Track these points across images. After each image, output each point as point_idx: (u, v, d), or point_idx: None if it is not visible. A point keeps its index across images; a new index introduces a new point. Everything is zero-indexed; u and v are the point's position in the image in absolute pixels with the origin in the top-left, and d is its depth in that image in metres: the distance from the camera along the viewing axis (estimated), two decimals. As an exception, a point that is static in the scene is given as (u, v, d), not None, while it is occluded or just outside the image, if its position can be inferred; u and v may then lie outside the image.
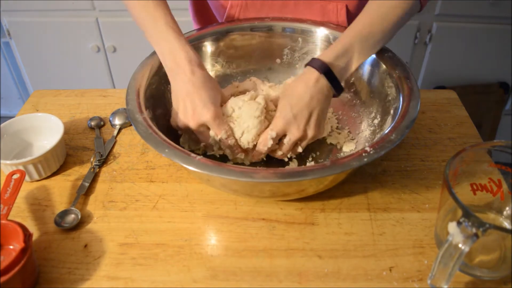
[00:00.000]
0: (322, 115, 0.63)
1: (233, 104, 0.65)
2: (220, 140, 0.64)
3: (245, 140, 0.64)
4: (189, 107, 0.62)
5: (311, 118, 0.62)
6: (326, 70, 0.62)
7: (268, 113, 0.67)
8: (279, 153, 0.66)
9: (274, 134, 0.63)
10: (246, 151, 0.66)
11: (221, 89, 0.67)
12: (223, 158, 0.68)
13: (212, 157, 0.68)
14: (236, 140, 0.64)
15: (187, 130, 0.65)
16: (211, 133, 0.64)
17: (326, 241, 0.58)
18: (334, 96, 0.65)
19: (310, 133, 0.63)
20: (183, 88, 0.63)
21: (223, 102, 0.66)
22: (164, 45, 0.66)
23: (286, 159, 0.67)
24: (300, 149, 0.65)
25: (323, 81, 0.62)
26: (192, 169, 0.53)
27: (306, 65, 0.64)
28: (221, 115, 0.64)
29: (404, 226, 0.60)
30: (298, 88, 0.63)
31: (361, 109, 0.73)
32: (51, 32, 1.62)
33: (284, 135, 0.64)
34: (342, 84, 0.64)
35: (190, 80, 0.62)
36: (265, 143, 0.64)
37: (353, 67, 0.66)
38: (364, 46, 0.65)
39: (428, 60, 1.61)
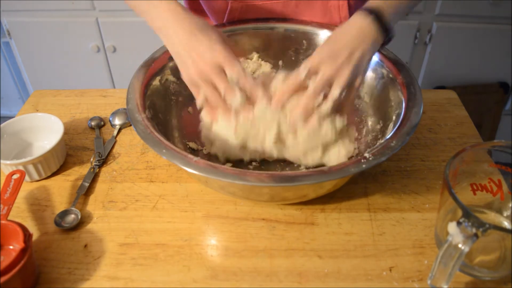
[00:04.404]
0: (364, 57, 0.57)
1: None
2: (237, 78, 0.58)
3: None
4: (195, 54, 0.57)
5: (350, 57, 0.56)
6: (376, 12, 0.58)
7: None
8: (306, 93, 0.57)
9: (306, 68, 0.57)
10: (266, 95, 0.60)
11: (217, 29, 0.61)
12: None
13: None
14: (252, 80, 0.59)
15: (204, 79, 0.59)
16: (227, 72, 0.58)
17: (326, 241, 0.58)
18: (384, 43, 0.61)
19: (345, 72, 0.56)
20: (179, 39, 0.58)
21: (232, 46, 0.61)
22: (151, 8, 0.62)
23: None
24: (336, 92, 0.57)
25: (371, 23, 0.58)
26: (189, 171, 0.53)
27: (357, 11, 0.61)
28: (231, 52, 0.58)
29: (404, 226, 0.60)
30: (344, 27, 0.59)
31: (363, 113, 0.73)
32: (51, 32, 1.62)
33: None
34: (391, 31, 0.60)
35: (183, 28, 0.58)
36: (296, 77, 0.58)
37: (397, 19, 0.61)
38: (401, 2, 0.62)
39: (428, 60, 1.62)
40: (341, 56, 0.56)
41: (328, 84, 0.58)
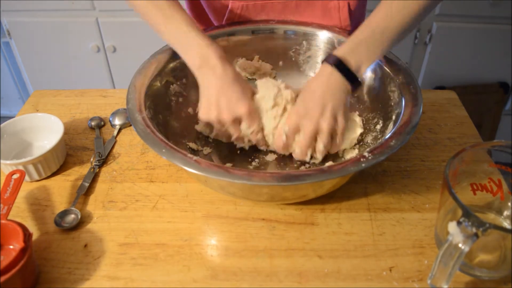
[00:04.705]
0: (338, 108, 0.63)
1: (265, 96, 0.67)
2: (251, 132, 0.65)
3: (269, 133, 0.66)
4: (223, 101, 0.63)
5: (324, 111, 0.62)
6: (338, 63, 0.63)
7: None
8: (296, 151, 0.65)
9: (286, 129, 0.63)
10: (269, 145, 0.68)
11: (249, 84, 0.69)
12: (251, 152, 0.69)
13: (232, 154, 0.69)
14: (263, 135, 0.67)
15: (219, 123, 0.65)
16: (243, 125, 0.65)
17: (326, 241, 0.58)
18: (352, 91, 0.65)
19: (325, 125, 0.62)
20: (216, 83, 0.64)
21: (252, 95, 0.68)
22: (187, 43, 0.66)
23: (308, 159, 0.66)
24: (320, 146, 0.64)
25: (336, 75, 0.63)
26: (188, 170, 0.53)
27: (323, 61, 0.65)
28: (254, 109, 0.65)
29: (404, 226, 0.60)
30: (313, 83, 0.64)
31: (363, 114, 0.73)
32: (51, 32, 1.62)
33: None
34: (359, 77, 0.64)
35: (222, 76, 0.63)
36: (279, 139, 0.65)
37: (371, 60, 0.65)
38: (380, 40, 0.64)
39: (428, 60, 1.62)
40: (315, 113, 0.62)
41: (313, 138, 0.64)
